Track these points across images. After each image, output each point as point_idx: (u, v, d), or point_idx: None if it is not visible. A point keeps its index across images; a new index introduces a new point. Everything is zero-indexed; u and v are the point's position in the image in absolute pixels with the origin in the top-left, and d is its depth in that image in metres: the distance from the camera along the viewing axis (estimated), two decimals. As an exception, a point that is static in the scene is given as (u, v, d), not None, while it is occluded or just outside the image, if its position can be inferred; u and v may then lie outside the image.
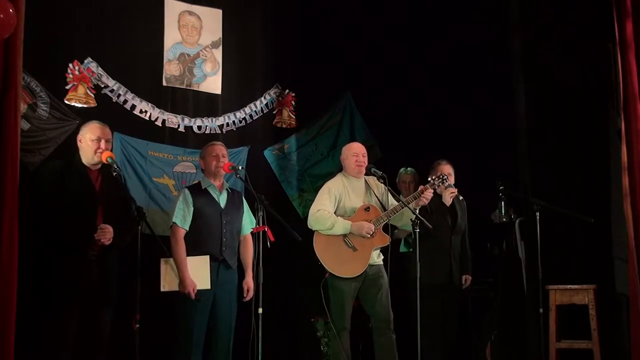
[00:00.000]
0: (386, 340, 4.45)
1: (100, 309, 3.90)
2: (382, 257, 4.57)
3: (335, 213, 4.52)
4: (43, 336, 3.79)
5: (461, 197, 4.99)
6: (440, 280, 4.84)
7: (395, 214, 4.48)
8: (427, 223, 4.35)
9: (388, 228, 4.53)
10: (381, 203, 4.59)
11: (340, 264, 4.45)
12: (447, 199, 4.91)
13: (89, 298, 3.83)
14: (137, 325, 3.66)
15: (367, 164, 4.65)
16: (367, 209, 4.56)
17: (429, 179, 4.64)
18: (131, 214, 3.80)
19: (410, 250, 5.08)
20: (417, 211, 4.48)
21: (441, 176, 4.63)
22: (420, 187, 4.54)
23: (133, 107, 5.08)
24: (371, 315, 4.53)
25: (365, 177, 4.67)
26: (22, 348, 3.59)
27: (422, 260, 4.41)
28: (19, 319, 3.49)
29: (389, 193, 4.58)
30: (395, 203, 4.53)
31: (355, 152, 4.65)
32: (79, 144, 4.00)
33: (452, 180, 4.97)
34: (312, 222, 4.52)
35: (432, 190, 4.53)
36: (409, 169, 5.53)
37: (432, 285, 4.72)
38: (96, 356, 3.90)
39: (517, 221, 5.48)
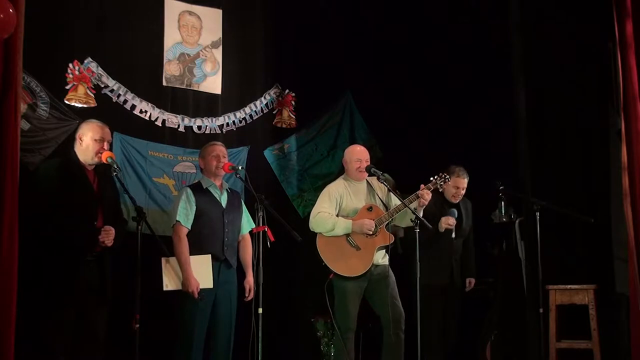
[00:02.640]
0: (394, 341, 4.42)
1: (98, 309, 3.90)
2: (388, 257, 4.56)
3: (337, 215, 4.52)
4: (42, 336, 3.79)
5: (454, 236, 4.99)
6: (441, 282, 4.86)
7: (397, 213, 4.49)
8: (427, 223, 4.34)
9: (389, 227, 4.54)
10: (384, 204, 4.59)
11: (344, 263, 4.45)
12: (442, 227, 4.90)
13: (87, 299, 3.84)
14: (137, 325, 3.66)
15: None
16: (369, 208, 4.56)
17: (431, 178, 4.64)
18: (121, 214, 3.79)
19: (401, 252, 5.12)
20: (421, 212, 4.49)
21: (443, 176, 4.63)
22: (422, 186, 4.54)
23: (133, 107, 5.08)
24: (380, 315, 4.51)
25: (368, 178, 4.67)
26: (22, 348, 3.59)
27: (423, 262, 4.41)
28: (18, 318, 3.49)
29: (391, 194, 4.58)
30: (398, 203, 4.53)
31: (358, 158, 4.63)
32: (78, 141, 3.99)
33: (462, 193, 4.97)
34: (314, 225, 4.52)
35: (430, 191, 4.53)
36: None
37: (432, 286, 4.73)
38: (94, 356, 3.90)
39: (517, 221, 5.48)
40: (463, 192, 5.02)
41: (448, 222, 4.92)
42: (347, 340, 4.45)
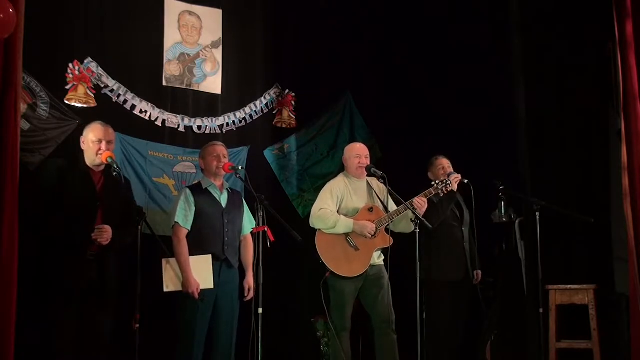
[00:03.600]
0: (387, 341, 4.45)
1: (99, 309, 3.91)
2: (383, 257, 4.57)
3: (337, 213, 4.52)
4: (43, 335, 3.79)
5: (466, 181, 4.87)
6: (458, 277, 4.85)
7: (398, 215, 4.48)
8: (427, 223, 4.34)
9: (388, 229, 4.53)
10: (383, 205, 4.59)
11: (341, 263, 4.45)
12: (454, 185, 4.86)
13: (88, 298, 3.84)
14: (137, 325, 3.66)
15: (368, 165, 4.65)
16: (370, 209, 4.57)
17: (433, 183, 4.63)
18: (131, 215, 3.80)
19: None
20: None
21: (444, 181, 4.63)
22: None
23: (133, 107, 5.08)
24: (372, 315, 4.53)
25: (368, 178, 4.67)
26: (22, 348, 3.59)
27: (438, 257, 4.40)
28: (19, 318, 3.49)
29: (390, 195, 4.57)
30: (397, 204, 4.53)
31: (357, 154, 4.66)
32: (82, 145, 4.02)
33: (451, 172, 4.96)
34: (315, 221, 4.52)
35: (425, 198, 4.51)
36: None
37: (448, 282, 4.75)
38: (96, 356, 3.90)
39: (517, 221, 5.48)
40: (451, 170, 4.98)
41: (456, 177, 4.76)
42: (343, 340, 4.46)
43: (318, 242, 4.50)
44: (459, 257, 4.89)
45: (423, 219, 4.32)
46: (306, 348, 5.44)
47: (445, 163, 4.99)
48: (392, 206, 4.61)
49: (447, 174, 4.69)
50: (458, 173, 4.82)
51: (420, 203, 4.46)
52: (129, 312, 3.69)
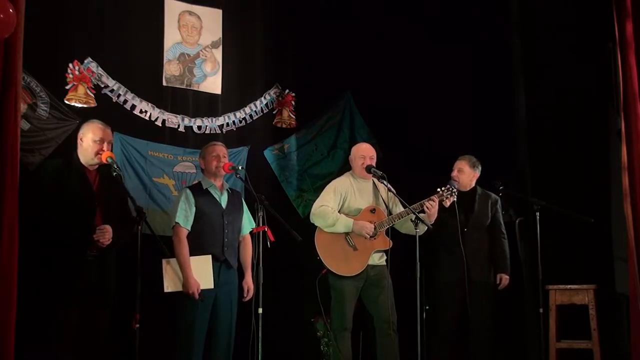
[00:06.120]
0: (388, 341, 4.45)
1: (99, 309, 3.90)
2: (385, 257, 4.56)
3: (339, 212, 4.52)
4: (43, 336, 3.79)
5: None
6: (454, 277, 4.82)
7: (400, 219, 4.48)
8: (427, 223, 4.34)
9: (389, 232, 4.53)
10: (387, 207, 4.59)
11: (339, 262, 4.46)
12: (446, 203, 4.87)
13: (87, 298, 3.83)
14: (137, 325, 3.66)
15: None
16: (372, 210, 4.57)
17: (438, 189, 4.62)
18: (129, 214, 3.80)
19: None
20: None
21: (450, 188, 4.60)
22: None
23: (133, 107, 5.08)
24: (374, 315, 4.54)
25: (374, 179, 4.65)
26: (22, 348, 3.59)
27: (436, 258, 4.39)
28: (19, 318, 3.49)
29: (394, 196, 4.55)
30: (400, 205, 4.53)
31: (362, 154, 4.65)
32: (79, 142, 4.00)
33: (459, 176, 4.95)
34: (315, 218, 4.52)
35: (436, 202, 4.50)
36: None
37: (447, 282, 4.78)
38: (96, 356, 3.90)
39: (517, 221, 5.48)
40: (460, 174, 4.96)
41: (452, 197, 4.72)
42: (342, 339, 4.46)
43: (317, 239, 4.51)
44: (457, 259, 4.84)
45: (422, 220, 4.32)
46: (306, 348, 5.44)
47: (456, 167, 4.99)
48: (396, 206, 4.60)
49: (451, 190, 4.66)
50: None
51: (429, 206, 4.45)
52: (129, 312, 3.69)
